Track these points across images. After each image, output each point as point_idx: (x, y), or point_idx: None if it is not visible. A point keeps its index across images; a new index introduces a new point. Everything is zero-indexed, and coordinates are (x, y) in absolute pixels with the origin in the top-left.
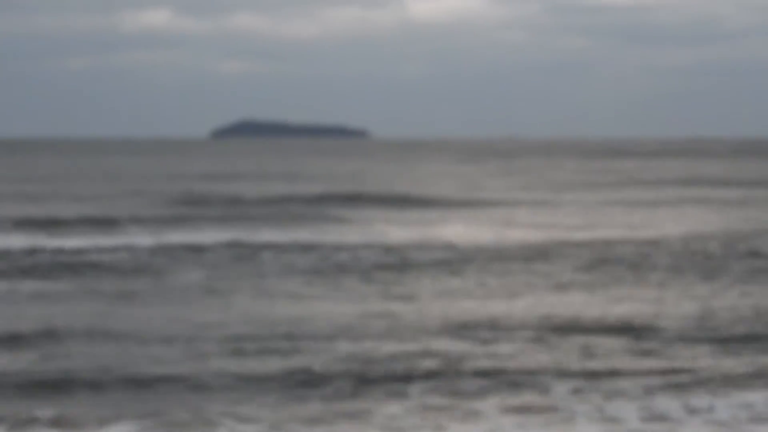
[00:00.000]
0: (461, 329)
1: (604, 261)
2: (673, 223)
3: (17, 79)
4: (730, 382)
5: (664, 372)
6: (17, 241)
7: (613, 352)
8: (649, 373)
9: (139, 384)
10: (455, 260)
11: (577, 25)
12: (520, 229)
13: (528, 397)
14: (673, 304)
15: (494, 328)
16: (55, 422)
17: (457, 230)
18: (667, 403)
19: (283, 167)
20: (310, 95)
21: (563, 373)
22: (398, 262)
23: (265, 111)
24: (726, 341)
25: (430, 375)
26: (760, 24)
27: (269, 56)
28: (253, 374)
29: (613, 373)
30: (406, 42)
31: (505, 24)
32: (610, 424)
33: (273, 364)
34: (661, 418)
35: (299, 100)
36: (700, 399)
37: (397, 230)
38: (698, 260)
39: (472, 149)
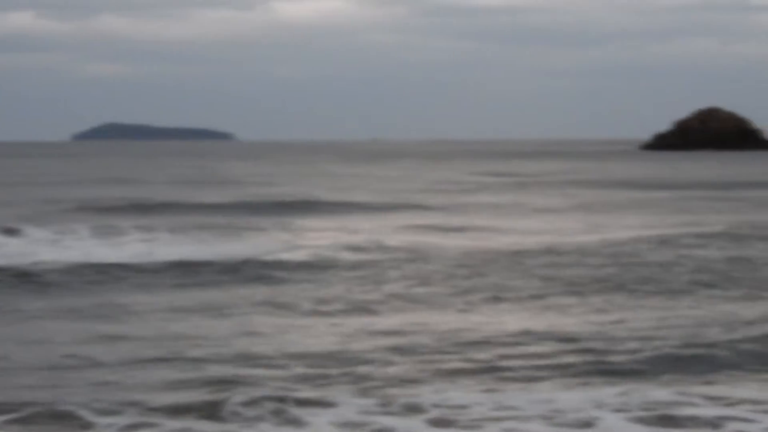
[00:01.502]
0: None
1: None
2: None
3: None
4: None
5: None
6: None
7: None
8: None
9: None
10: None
11: (446, 28)
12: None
13: None
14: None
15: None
16: None
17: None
18: None
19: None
20: (176, 98)
21: None
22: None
23: (131, 114)
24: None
25: None
26: (636, 26)
27: (135, 58)
28: None
29: None
30: (274, 44)
31: (374, 26)
32: None
33: None
34: None
35: (165, 103)
36: None
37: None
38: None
39: (341, 152)
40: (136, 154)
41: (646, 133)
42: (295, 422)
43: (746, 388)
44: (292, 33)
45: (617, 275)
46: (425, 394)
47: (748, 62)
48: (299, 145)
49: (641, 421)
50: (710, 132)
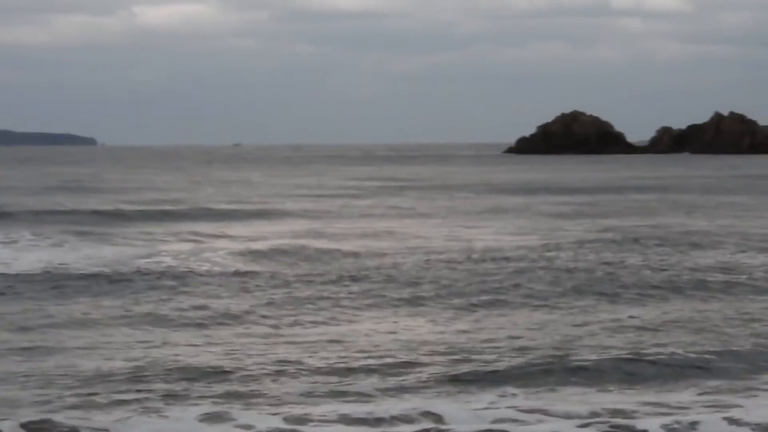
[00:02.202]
0: None
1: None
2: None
3: None
4: None
5: None
6: None
7: None
8: None
9: None
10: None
11: (306, 33)
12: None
13: None
14: None
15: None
16: None
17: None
18: None
19: None
20: (38, 103)
21: None
22: None
23: None
24: None
25: None
26: (490, 31)
27: None
28: None
29: None
30: (135, 49)
31: (235, 31)
32: None
33: None
34: None
35: (27, 108)
36: None
37: None
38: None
39: (206, 157)
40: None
41: (507, 137)
42: None
43: (566, 402)
44: (153, 38)
45: (483, 282)
46: (285, 406)
47: (606, 68)
48: (163, 150)
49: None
50: (573, 136)
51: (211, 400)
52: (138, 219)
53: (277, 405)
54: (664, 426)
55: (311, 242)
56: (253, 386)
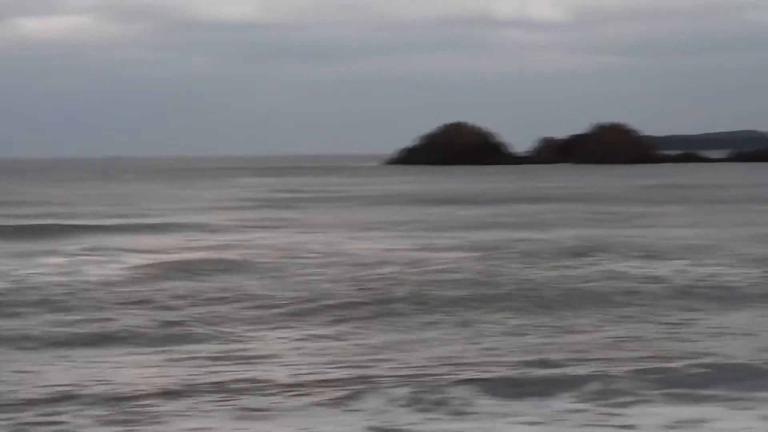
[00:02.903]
0: None
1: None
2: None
3: None
4: None
5: None
6: None
7: None
8: None
9: None
10: None
11: (190, 45)
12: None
13: None
14: None
15: None
16: None
17: None
18: None
19: None
20: None
21: None
22: None
23: None
24: None
25: None
26: (378, 41)
27: None
28: None
29: None
30: (18, 61)
31: (120, 43)
32: None
33: None
34: None
35: None
36: None
37: None
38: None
39: (90, 170)
40: None
41: (398, 147)
42: None
43: None
44: (36, 50)
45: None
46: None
47: (490, 78)
48: (41, 163)
49: None
50: (456, 146)
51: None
52: (15, 234)
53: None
54: None
55: (194, 255)
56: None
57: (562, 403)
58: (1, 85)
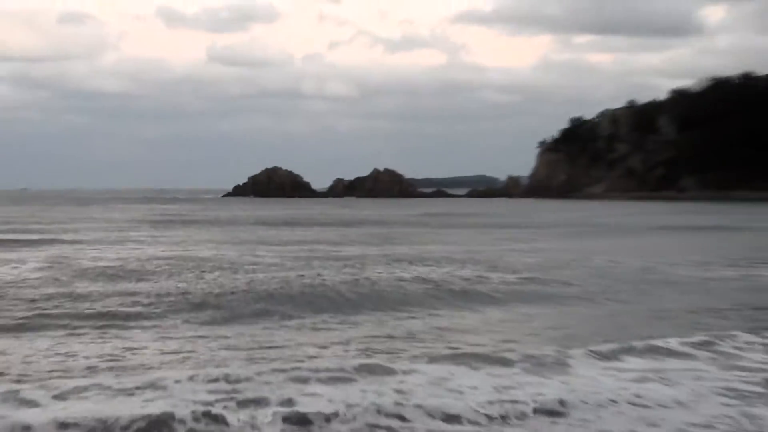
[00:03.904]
0: None
1: None
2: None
3: None
4: None
5: None
6: None
7: None
8: None
9: None
10: None
11: (78, 107)
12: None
13: None
14: None
15: None
16: None
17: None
18: None
19: None
20: None
21: None
22: None
23: None
24: None
25: None
26: (213, 108)
27: None
28: None
29: None
30: None
31: (24, 106)
32: None
33: None
34: None
35: None
36: None
37: None
38: None
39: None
40: None
41: (227, 185)
42: None
43: None
44: None
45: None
46: None
47: (298, 135)
48: None
49: None
50: (274, 184)
51: None
52: None
53: None
54: None
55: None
56: None
57: None
58: None
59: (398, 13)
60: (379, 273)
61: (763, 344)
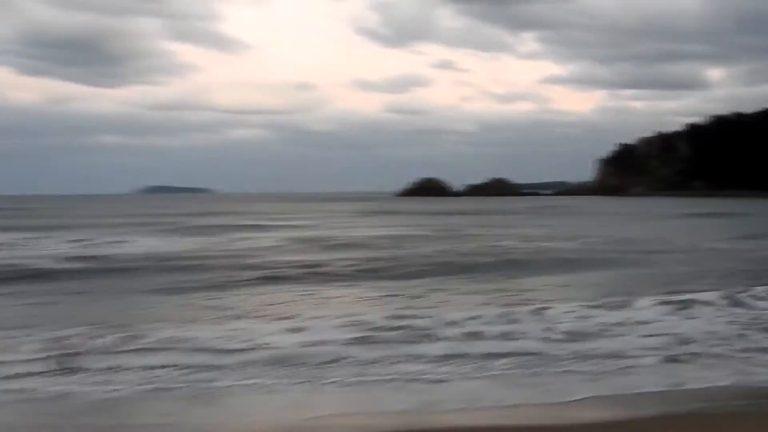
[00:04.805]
0: None
1: None
2: None
3: None
4: None
5: None
6: None
7: None
8: None
9: None
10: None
11: (303, 141)
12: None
13: None
14: None
15: None
16: None
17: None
18: None
19: None
20: None
21: None
22: None
23: None
24: None
25: None
26: (385, 140)
27: None
28: None
29: None
30: None
31: (271, 141)
32: None
33: None
34: None
35: None
36: None
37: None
38: None
39: None
40: None
41: (389, 190)
42: None
43: None
44: None
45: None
46: None
47: (440, 156)
48: None
49: None
50: (428, 188)
51: None
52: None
53: None
54: None
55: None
56: None
57: None
58: None
59: (505, 78)
60: (514, 245)
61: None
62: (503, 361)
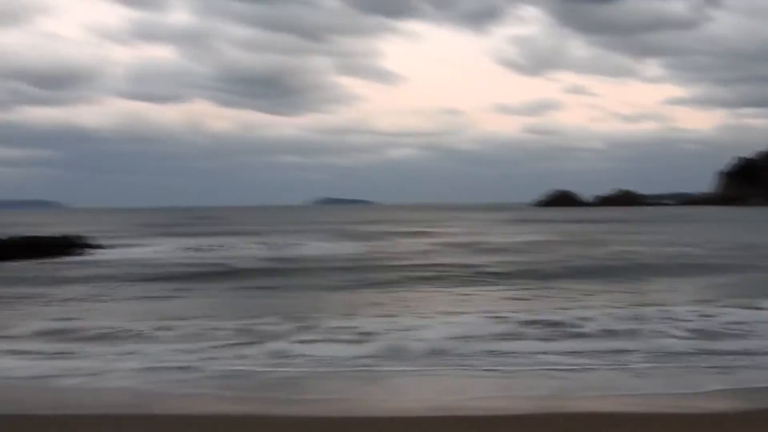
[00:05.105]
0: None
1: None
2: None
3: None
4: None
5: None
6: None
7: None
8: None
9: None
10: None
11: (451, 158)
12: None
13: None
14: None
15: None
16: None
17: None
18: None
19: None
20: None
21: None
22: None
23: None
24: None
25: None
26: (522, 156)
27: None
28: None
29: None
30: None
31: (423, 159)
32: None
33: None
34: None
35: None
36: None
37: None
38: None
39: None
40: None
41: (524, 201)
42: None
43: None
44: None
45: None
46: None
47: (570, 169)
48: None
49: None
50: (562, 199)
51: None
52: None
53: None
54: None
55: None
56: None
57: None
58: None
59: (631, 100)
60: (642, 250)
61: None
62: (635, 355)
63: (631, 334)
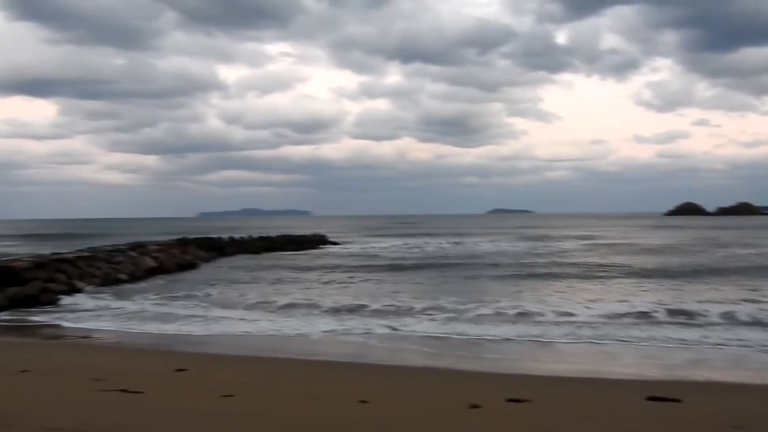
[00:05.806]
0: None
1: None
2: None
3: None
4: None
5: None
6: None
7: None
8: None
9: None
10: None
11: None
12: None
13: None
14: None
15: None
16: None
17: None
18: None
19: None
20: None
21: None
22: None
23: None
24: None
25: None
26: (618, 173)
27: None
28: None
29: None
30: None
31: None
32: None
33: None
34: None
35: None
36: None
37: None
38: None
39: None
40: None
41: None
42: None
43: None
44: None
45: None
46: None
47: (695, 185)
48: None
49: None
50: (688, 209)
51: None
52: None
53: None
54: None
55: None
56: None
57: None
58: None
59: (750, 130)
60: (762, 252)
61: None
62: (760, 335)
63: (753, 322)
